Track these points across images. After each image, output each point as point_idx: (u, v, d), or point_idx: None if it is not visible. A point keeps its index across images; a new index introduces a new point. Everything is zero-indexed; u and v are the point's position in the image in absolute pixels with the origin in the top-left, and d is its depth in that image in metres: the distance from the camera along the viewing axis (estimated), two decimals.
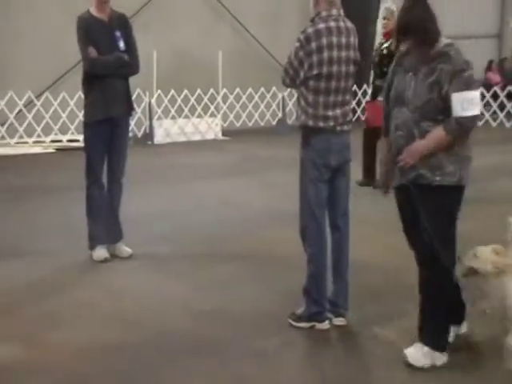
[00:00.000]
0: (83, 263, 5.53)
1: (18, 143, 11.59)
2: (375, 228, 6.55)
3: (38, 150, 11.46)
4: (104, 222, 5.63)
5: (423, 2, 3.65)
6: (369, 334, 4.21)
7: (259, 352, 3.96)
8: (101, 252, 5.58)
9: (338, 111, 4.20)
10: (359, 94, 14.73)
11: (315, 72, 4.11)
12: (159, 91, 12.55)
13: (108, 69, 5.41)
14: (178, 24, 13.35)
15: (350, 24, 4.23)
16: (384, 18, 8.38)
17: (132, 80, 5.69)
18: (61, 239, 6.15)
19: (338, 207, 4.32)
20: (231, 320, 4.44)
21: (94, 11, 5.51)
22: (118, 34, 5.50)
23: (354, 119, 4.62)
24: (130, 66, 5.53)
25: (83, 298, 4.79)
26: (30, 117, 11.57)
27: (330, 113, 4.17)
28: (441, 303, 3.73)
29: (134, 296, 4.86)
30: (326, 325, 4.27)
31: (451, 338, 3.90)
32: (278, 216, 6.80)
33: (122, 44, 5.50)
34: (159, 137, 12.45)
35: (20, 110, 11.57)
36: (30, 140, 11.68)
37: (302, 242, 4.33)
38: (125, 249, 5.70)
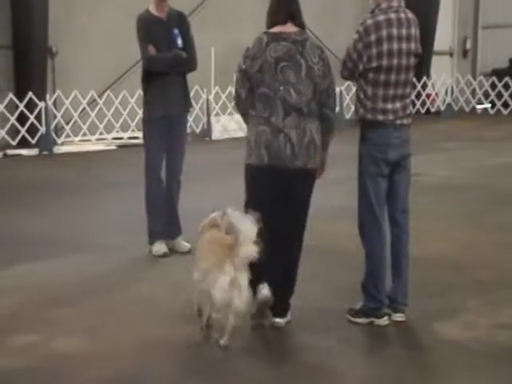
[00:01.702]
0: (143, 258, 5.63)
1: (81, 141, 11.92)
2: (438, 222, 6.44)
3: (100, 147, 11.75)
4: (163, 217, 5.71)
5: None
6: (429, 330, 4.15)
7: (317, 348, 3.95)
8: (160, 247, 5.67)
9: (398, 104, 4.13)
10: (419, 86, 14.47)
11: (374, 64, 4.05)
12: (217, 87, 12.64)
13: (166, 66, 5.49)
14: (236, 21, 13.40)
15: (411, 15, 4.15)
16: None
17: (190, 77, 5.75)
18: (122, 234, 6.28)
19: (398, 202, 4.25)
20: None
21: (153, 10, 5.60)
22: (176, 31, 5.57)
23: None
24: (187, 62, 5.59)
25: (144, 292, 4.88)
26: (92, 115, 11.86)
27: (390, 106, 4.11)
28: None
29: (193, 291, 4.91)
30: (384, 321, 4.22)
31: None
32: (335, 211, 6.75)
33: (180, 41, 5.57)
34: (217, 133, 12.55)
35: (84, 109, 11.88)
36: (93, 137, 11.98)
37: (360, 237, 4.29)
38: (184, 244, 5.77)
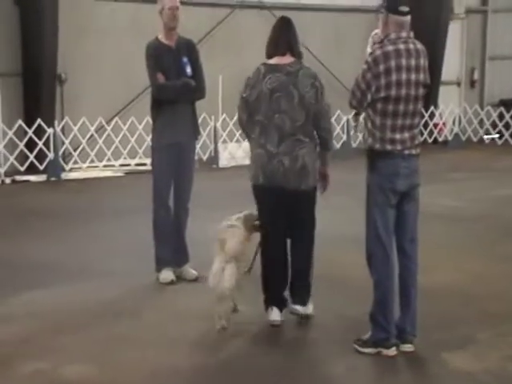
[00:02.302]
0: (150, 285, 5.61)
1: (89, 167, 11.97)
2: (446, 252, 6.40)
3: (108, 173, 11.79)
4: (171, 245, 5.70)
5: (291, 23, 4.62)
6: (438, 360, 4.10)
7: (324, 377, 3.90)
8: (167, 274, 5.65)
9: (406, 135, 4.14)
10: (426, 116, 14.51)
11: (383, 95, 4.07)
12: (224, 115, 12.71)
13: (175, 94, 5.52)
14: (243, 49, 13.51)
15: (420, 46, 4.18)
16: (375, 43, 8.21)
17: (198, 104, 5.78)
18: (128, 261, 6.26)
19: (406, 232, 4.24)
20: (297, 344, 4.40)
21: (162, 38, 5.65)
22: (185, 59, 5.62)
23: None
24: (196, 90, 5.63)
25: (151, 319, 4.85)
26: (100, 141, 11.92)
27: (398, 136, 4.11)
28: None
29: (201, 318, 4.88)
30: (392, 351, 4.17)
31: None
32: (342, 240, 6.72)
33: (188, 69, 5.61)
34: (224, 160, 12.59)
35: (91, 135, 11.95)
36: (101, 164, 12.03)
37: (368, 267, 4.26)
38: (191, 271, 5.74)
